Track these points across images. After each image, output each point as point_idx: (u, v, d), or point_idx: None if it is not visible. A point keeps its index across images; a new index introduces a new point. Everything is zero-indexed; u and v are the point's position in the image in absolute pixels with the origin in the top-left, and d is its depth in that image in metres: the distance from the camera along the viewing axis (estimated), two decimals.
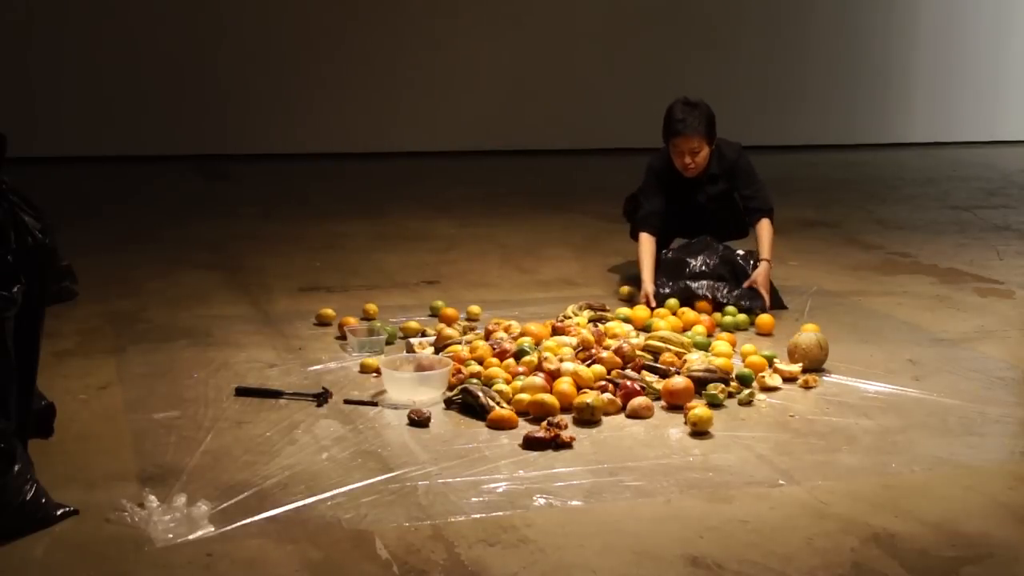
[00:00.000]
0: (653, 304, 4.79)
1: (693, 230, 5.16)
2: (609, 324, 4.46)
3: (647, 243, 5.02)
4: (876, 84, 10.69)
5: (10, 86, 8.33)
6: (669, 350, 4.11)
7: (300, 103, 9.14)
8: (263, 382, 3.92)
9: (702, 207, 5.14)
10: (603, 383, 3.85)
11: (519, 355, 4.04)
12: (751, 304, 4.79)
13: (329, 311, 4.63)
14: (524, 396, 3.68)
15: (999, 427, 3.73)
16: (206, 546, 2.78)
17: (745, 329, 4.65)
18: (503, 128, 9.53)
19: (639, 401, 3.71)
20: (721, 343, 4.30)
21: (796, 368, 4.09)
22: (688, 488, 3.17)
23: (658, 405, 3.77)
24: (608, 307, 4.76)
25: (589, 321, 4.53)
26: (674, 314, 4.65)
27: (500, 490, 3.12)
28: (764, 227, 5.04)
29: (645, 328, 4.49)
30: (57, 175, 7.82)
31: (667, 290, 4.86)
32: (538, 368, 3.92)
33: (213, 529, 2.86)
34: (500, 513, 2.99)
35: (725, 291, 4.85)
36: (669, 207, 5.12)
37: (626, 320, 4.59)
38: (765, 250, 4.98)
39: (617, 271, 5.52)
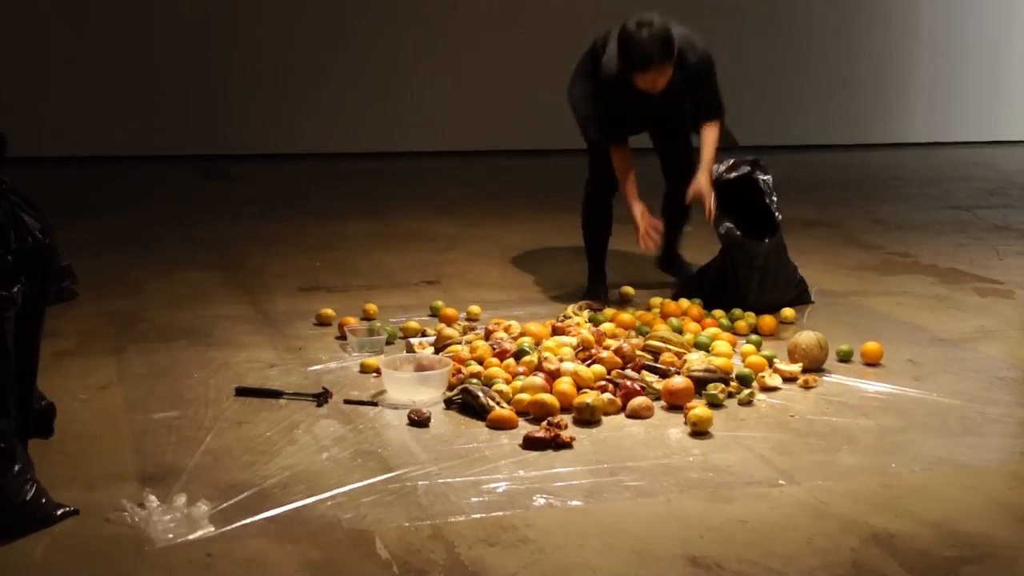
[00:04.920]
0: (644, 224, 4.76)
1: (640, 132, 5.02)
2: (605, 325, 4.47)
3: (623, 157, 4.82)
4: (876, 84, 10.69)
5: (11, 86, 8.33)
6: (669, 350, 4.11)
7: (300, 103, 9.13)
8: (263, 382, 3.92)
9: (655, 117, 4.94)
10: (603, 383, 3.85)
11: (519, 355, 4.04)
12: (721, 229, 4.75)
13: (329, 311, 4.63)
14: (524, 396, 3.69)
15: (999, 427, 3.73)
16: (206, 546, 2.78)
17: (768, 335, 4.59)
18: (503, 128, 9.52)
19: (639, 401, 3.71)
20: (721, 343, 4.30)
21: (796, 368, 4.09)
22: (688, 488, 3.17)
23: (658, 405, 3.78)
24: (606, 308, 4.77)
25: (588, 320, 4.54)
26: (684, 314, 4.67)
27: (500, 490, 3.12)
28: (709, 131, 4.75)
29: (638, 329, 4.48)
30: (58, 175, 7.82)
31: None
32: (538, 368, 3.92)
33: (213, 529, 2.86)
34: (500, 513, 2.99)
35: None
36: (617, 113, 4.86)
37: (608, 321, 4.55)
38: (706, 155, 4.74)
39: (617, 271, 5.51)
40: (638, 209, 4.81)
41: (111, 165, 8.44)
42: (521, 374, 3.87)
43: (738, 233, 4.78)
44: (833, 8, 10.49)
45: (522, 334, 4.25)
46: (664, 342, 4.17)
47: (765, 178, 4.92)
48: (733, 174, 4.89)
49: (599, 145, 4.94)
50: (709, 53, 4.78)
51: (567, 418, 3.59)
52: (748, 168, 4.91)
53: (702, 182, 4.75)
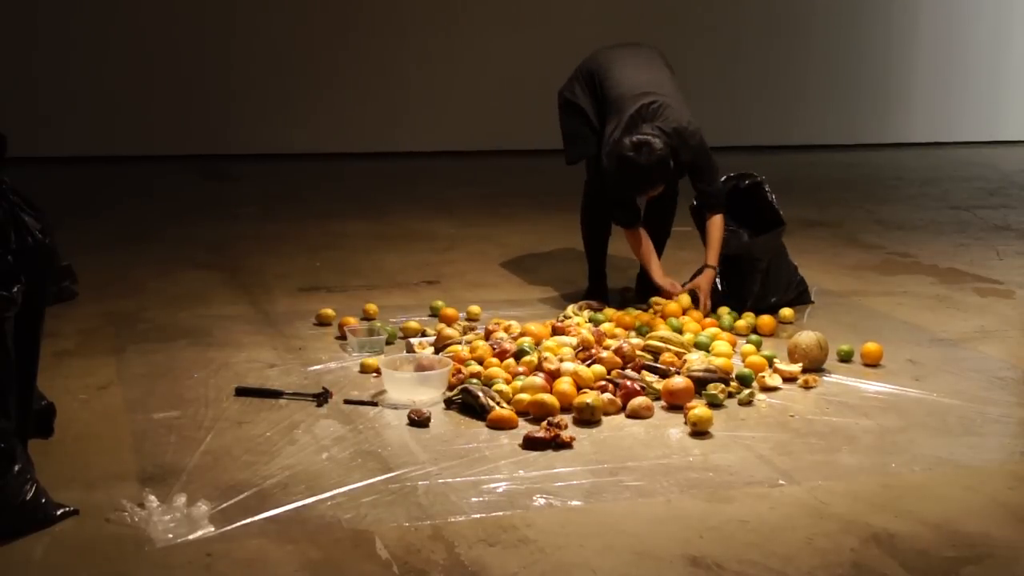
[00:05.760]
0: (678, 291, 4.80)
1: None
2: (605, 325, 4.47)
3: (639, 238, 4.92)
4: (876, 84, 10.68)
5: (11, 86, 8.33)
6: (669, 350, 4.11)
7: (300, 103, 9.13)
8: (263, 382, 3.92)
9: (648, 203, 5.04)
10: (603, 383, 3.85)
11: (519, 355, 4.04)
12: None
13: (329, 311, 4.63)
14: (524, 396, 3.69)
15: (999, 427, 3.74)
16: (206, 546, 2.78)
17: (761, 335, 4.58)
18: (503, 128, 9.52)
19: (639, 401, 3.71)
20: (721, 343, 4.30)
21: (796, 368, 4.09)
22: (688, 488, 3.17)
23: (658, 405, 3.78)
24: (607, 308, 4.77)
25: (588, 320, 4.54)
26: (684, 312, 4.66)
27: (500, 490, 3.12)
28: (715, 226, 4.82)
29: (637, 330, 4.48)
30: (58, 175, 7.82)
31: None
32: (538, 368, 3.92)
33: (213, 529, 2.86)
34: (500, 513, 2.99)
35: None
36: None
37: (607, 321, 4.56)
38: (713, 255, 4.82)
39: (617, 271, 5.50)
40: (668, 282, 4.86)
41: (111, 165, 8.44)
42: (521, 374, 3.87)
43: (745, 240, 4.87)
44: (833, 8, 10.49)
45: (522, 334, 4.25)
46: (664, 342, 4.17)
47: (761, 181, 5.02)
48: (732, 184, 4.99)
49: (576, 164, 5.06)
50: (700, 138, 4.77)
51: (567, 418, 3.59)
52: (748, 180, 5.01)
53: (704, 282, 4.81)
